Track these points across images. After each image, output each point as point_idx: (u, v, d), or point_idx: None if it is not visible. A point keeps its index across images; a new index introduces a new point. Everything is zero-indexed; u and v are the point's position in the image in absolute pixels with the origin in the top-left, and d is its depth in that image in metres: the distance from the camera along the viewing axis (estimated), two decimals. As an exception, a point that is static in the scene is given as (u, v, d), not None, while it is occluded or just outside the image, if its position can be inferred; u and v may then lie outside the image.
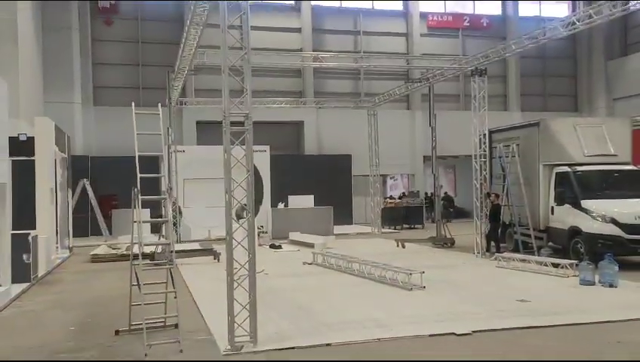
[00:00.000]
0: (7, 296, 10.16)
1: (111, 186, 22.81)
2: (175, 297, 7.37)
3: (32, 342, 7.67)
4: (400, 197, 28.39)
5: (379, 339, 7.25)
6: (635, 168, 14.33)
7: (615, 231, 12.67)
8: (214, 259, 15.33)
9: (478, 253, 15.50)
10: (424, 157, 28.77)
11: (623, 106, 32.25)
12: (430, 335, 7.38)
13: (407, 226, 26.10)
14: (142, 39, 27.66)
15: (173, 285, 7.33)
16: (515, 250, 15.13)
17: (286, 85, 29.16)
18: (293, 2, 30.18)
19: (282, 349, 6.91)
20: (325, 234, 20.49)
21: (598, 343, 7.14)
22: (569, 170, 14.09)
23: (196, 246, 17.26)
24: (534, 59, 32.47)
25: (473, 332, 7.47)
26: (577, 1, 33.62)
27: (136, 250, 7.37)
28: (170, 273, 7.40)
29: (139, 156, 7.60)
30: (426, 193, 29.28)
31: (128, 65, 27.64)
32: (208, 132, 25.58)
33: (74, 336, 7.90)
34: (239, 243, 7.10)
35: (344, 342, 7.17)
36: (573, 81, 34.73)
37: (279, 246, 18.60)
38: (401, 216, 26.43)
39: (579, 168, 14.04)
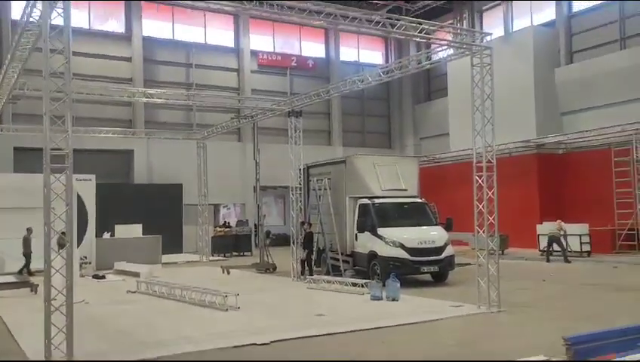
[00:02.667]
0: None
1: None
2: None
3: None
4: (223, 226, 29.19)
5: (185, 353, 8.25)
6: (419, 201, 17.08)
7: (402, 254, 15.06)
8: (31, 291, 14.98)
9: (294, 276, 17.15)
10: (254, 187, 30.32)
11: (427, 145, 36.99)
12: (234, 347, 8.57)
13: (236, 254, 27.15)
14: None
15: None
16: (327, 272, 17.04)
17: (116, 113, 28.92)
18: (123, 31, 30.17)
19: (97, 366, 7.59)
20: (153, 263, 20.73)
21: (368, 343, 8.89)
22: (369, 202, 16.37)
23: (11, 278, 16.61)
24: (354, 100, 35.97)
25: (271, 342, 8.80)
26: (389, 52, 38.25)
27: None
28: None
29: None
30: (255, 223, 30.70)
31: None
32: (27, 158, 24.44)
33: None
34: (57, 271, 7.66)
35: (155, 357, 8.04)
36: (387, 120, 38.96)
37: (103, 277, 18.55)
38: (231, 244, 27.49)
39: (376, 200, 16.38)
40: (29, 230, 18.22)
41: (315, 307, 12.08)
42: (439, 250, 15.50)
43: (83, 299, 12.54)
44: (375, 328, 9.85)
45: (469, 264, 18.75)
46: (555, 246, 20.83)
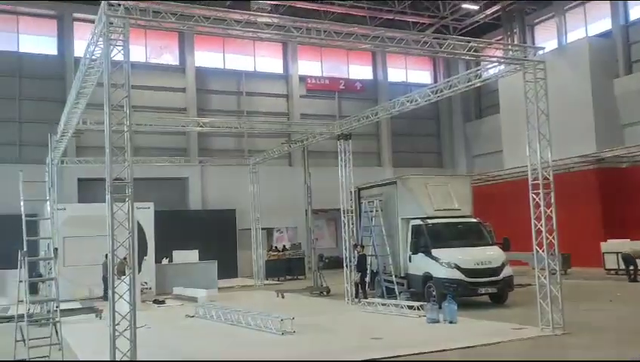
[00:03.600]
0: None
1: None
2: (60, 349, 7.98)
3: None
4: (272, 250, 29.30)
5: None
6: (474, 220, 16.75)
7: (458, 275, 14.73)
8: (96, 316, 15.51)
9: (348, 299, 17.06)
10: (306, 211, 30.44)
11: (480, 163, 36.35)
12: (291, 371, 8.60)
13: (290, 277, 27.27)
14: (21, 96, 27.27)
15: (59, 339, 7.95)
16: (382, 295, 16.88)
17: (171, 142, 29.81)
18: (177, 63, 31.29)
19: (160, 391, 7.78)
20: (210, 287, 21.05)
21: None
22: (422, 223, 16.17)
23: (77, 304, 17.28)
24: (404, 120, 35.60)
25: (328, 365, 8.79)
26: (437, 70, 38.05)
27: (21, 308, 7.94)
28: (56, 327, 8.03)
29: (17, 216, 8.27)
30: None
31: (6, 121, 26.97)
32: (90, 188, 25.51)
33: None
34: (121, 297, 7.93)
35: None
36: (437, 139, 38.57)
37: (163, 302, 19.00)
38: (284, 267, 27.65)
39: (429, 221, 16.17)
40: (107, 255, 18.93)
41: (371, 330, 11.97)
42: (497, 270, 15.09)
43: (145, 324, 12.85)
44: (434, 351, 9.68)
45: (530, 284, 18.14)
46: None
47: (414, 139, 37.44)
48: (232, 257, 27.89)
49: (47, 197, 8.86)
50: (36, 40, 28.25)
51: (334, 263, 29.76)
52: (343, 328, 12.86)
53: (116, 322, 7.80)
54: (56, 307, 8.23)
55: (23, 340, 7.68)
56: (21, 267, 7.90)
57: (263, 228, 26.99)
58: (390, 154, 36.09)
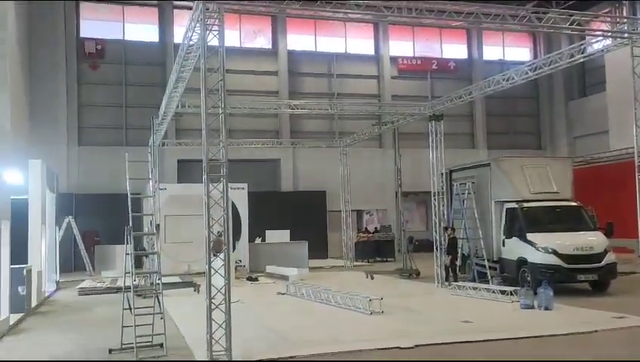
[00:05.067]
0: (6, 324, 11.20)
1: (92, 222, 24.49)
2: (162, 318, 8.56)
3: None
4: (359, 232, 29.35)
5: (333, 353, 8.52)
6: (574, 204, 15.90)
7: (556, 261, 14.11)
8: (194, 290, 16.40)
9: (438, 282, 16.86)
10: (396, 193, 30.25)
11: (583, 144, 34.23)
12: (378, 349, 8.67)
13: (379, 259, 27.32)
14: (126, 82, 29.05)
15: (160, 309, 8.53)
16: (473, 279, 16.53)
17: (264, 125, 30.61)
18: (270, 47, 31.95)
19: (252, 361, 8.13)
20: (300, 267, 21.57)
21: (521, 352, 8.47)
22: (517, 206, 15.59)
23: (177, 279, 18.35)
24: (499, 100, 34.33)
25: (416, 346, 8.77)
26: (537, 47, 36.15)
27: (128, 280, 8.59)
28: (158, 298, 8.61)
29: (124, 195, 8.91)
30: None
31: (113, 106, 28.90)
32: (189, 169, 26.81)
33: (73, 356, 8.99)
34: (217, 271, 8.34)
35: (305, 354, 8.42)
36: (536, 120, 36.76)
37: (256, 279, 19.72)
38: (374, 249, 27.72)
39: (525, 204, 15.55)
40: (220, 233, 19.96)
41: (460, 313, 11.78)
42: (598, 256, 14.31)
43: (239, 299, 13.42)
44: (528, 337, 9.39)
45: (634, 273, 17.15)
46: None
47: (511, 119, 35.95)
48: (322, 238, 28.34)
49: (150, 177, 9.47)
50: (139, 28, 29.91)
51: (424, 246, 29.33)
52: (433, 310, 12.76)
53: (212, 295, 8.23)
54: (159, 279, 8.84)
55: (130, 309, 8.33)
56: (127, 242, 8.54)
57: (352, 210, 27.19)
58: (484, 135, 34.91)
